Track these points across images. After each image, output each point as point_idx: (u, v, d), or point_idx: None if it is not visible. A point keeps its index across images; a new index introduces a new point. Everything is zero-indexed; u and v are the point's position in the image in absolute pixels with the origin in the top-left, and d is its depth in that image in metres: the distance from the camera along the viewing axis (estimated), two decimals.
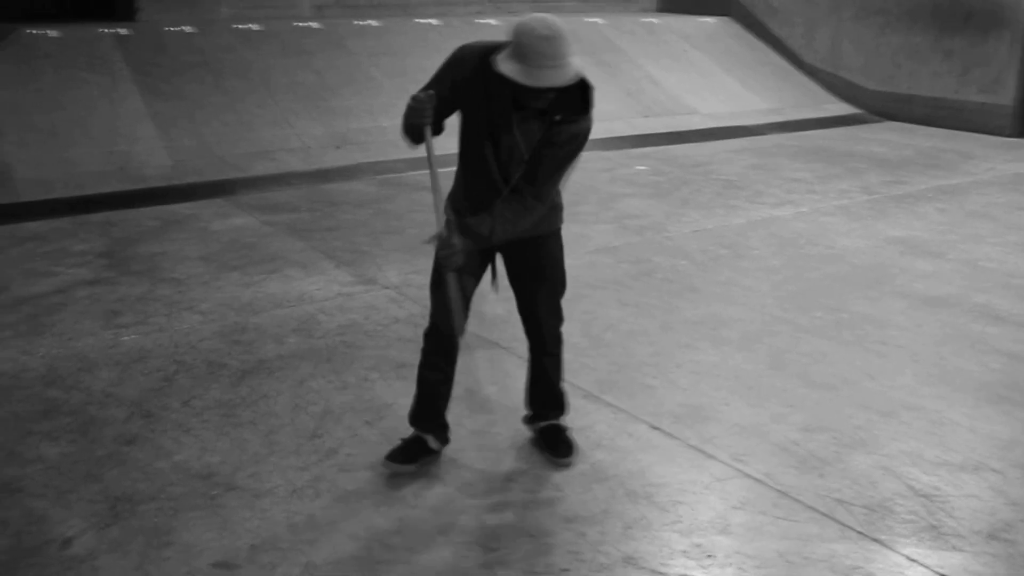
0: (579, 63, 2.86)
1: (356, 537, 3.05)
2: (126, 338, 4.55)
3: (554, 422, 3.63)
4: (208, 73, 9.03)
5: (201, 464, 3.47)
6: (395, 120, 10.32)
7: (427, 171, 3.07)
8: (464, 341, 3.40)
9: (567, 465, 3.50)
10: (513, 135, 3.02)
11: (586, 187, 7.78)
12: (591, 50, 11.22)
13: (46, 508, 3.19)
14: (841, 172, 8.90)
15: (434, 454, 3.48)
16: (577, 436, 3.68)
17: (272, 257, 5.87)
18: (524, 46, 2.77)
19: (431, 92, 2.98)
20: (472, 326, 4.66)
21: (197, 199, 7.21)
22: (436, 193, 3.07)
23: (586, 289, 5.31)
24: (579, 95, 2.98)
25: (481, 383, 4.12)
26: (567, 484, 3.39)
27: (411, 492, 3.32)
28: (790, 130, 11.17)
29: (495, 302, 4.90)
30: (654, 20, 13.11)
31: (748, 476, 3.47)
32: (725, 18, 13.76)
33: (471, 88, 3.01)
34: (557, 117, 2.97)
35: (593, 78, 3.04)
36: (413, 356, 4.33)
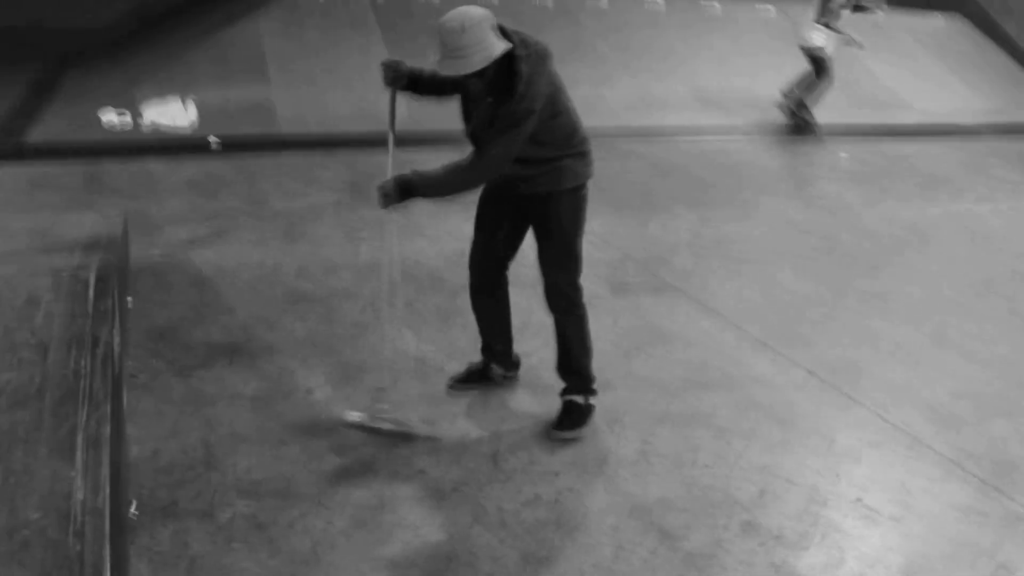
0: (492, 52, 3.06)
1: (539, 421, 3.70)
2: (364, 250, 5.39)
3: (565, 397, 3.71)
4: None
5: (418, 351, 4.21)
6: (616, 90, 10.82)
7: None
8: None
9: (559, 440, 3.58)
10: (471, 114, 3.43)
11: (786, 167, 8.07)
12: None
13: (296, 367, 4.03)
14: None
15: (496, 380, 3.96)
16: (736, 371, 4.18)
17: None
18: (439, 37, 3.10)
19: (396, 61, 3.62)
20: (664, 274, 5.18)
21: (429, 146, 8.03)
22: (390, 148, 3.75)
23: (771, 256, 5.73)
24: (509, 81, 3.16)
25: (662, 320, 4.66)
26: (723, 405, 3.90)
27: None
28: (1009, 133, 10.88)
29: (684, 255, 5.42)
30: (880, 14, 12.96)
31: (888, 422, 3.85)
32: (955, 15, 13.41)
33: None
34: (489, 99, 3.24)
35: None
36: (606, 291, 4.95)
